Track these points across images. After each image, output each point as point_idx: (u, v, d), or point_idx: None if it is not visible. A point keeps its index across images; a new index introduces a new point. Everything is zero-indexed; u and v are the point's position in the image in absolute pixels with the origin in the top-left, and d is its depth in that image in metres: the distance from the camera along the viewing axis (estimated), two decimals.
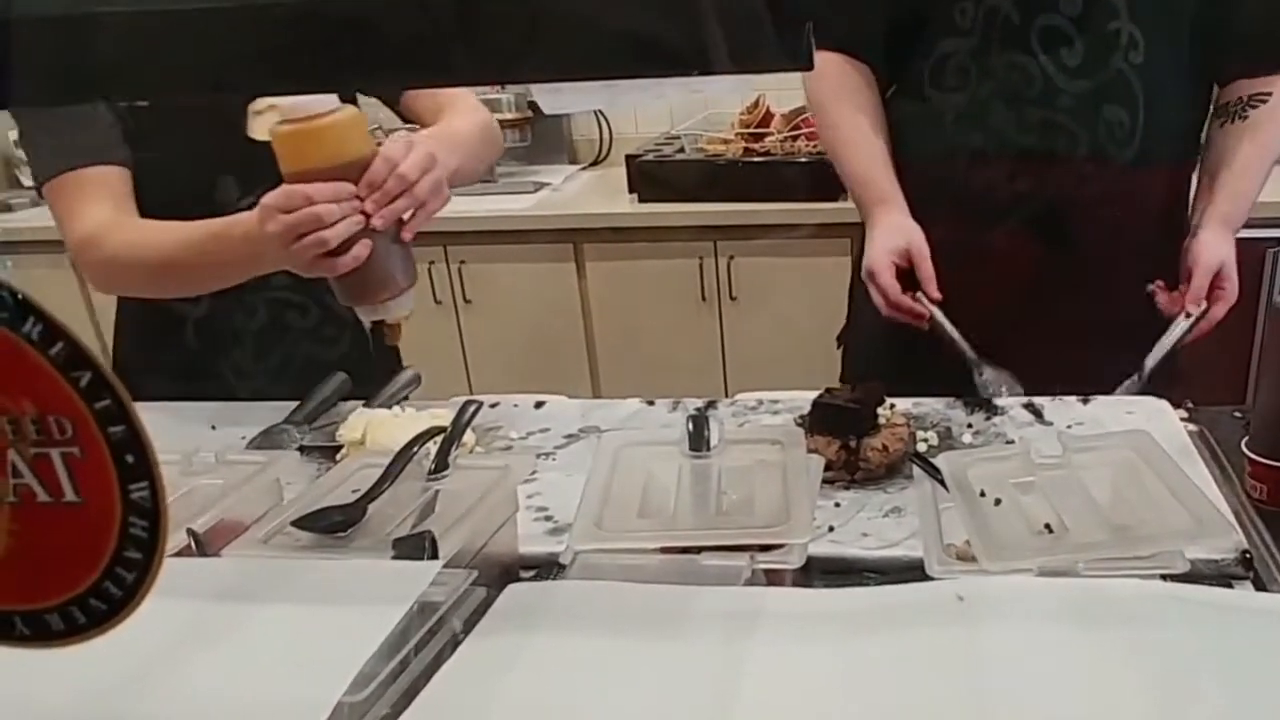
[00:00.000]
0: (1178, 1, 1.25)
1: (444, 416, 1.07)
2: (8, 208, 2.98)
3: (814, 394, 1.10)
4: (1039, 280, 1.33)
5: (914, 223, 1.30)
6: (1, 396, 0.34)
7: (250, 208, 1.20)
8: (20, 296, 0.33)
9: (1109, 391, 1.23)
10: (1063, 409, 1.19)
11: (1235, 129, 1.30)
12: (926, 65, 1.32)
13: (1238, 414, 1.13)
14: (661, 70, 0.60)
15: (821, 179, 2.27)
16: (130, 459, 0.36)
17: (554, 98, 0.60)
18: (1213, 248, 1.27)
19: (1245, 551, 0.86)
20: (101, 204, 1.26)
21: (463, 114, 1.35)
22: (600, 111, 2.96)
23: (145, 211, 1.29)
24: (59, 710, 0.61)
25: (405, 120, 1.48)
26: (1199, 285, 1.26)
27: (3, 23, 0.44)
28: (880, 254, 1.29)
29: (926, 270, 1.27)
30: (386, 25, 0.55)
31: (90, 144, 1.27)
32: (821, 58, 1.29)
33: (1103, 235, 1.31)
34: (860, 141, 1.37)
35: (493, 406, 1.30)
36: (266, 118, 1.29)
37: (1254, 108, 1.30)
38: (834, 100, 1.39)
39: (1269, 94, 1.29)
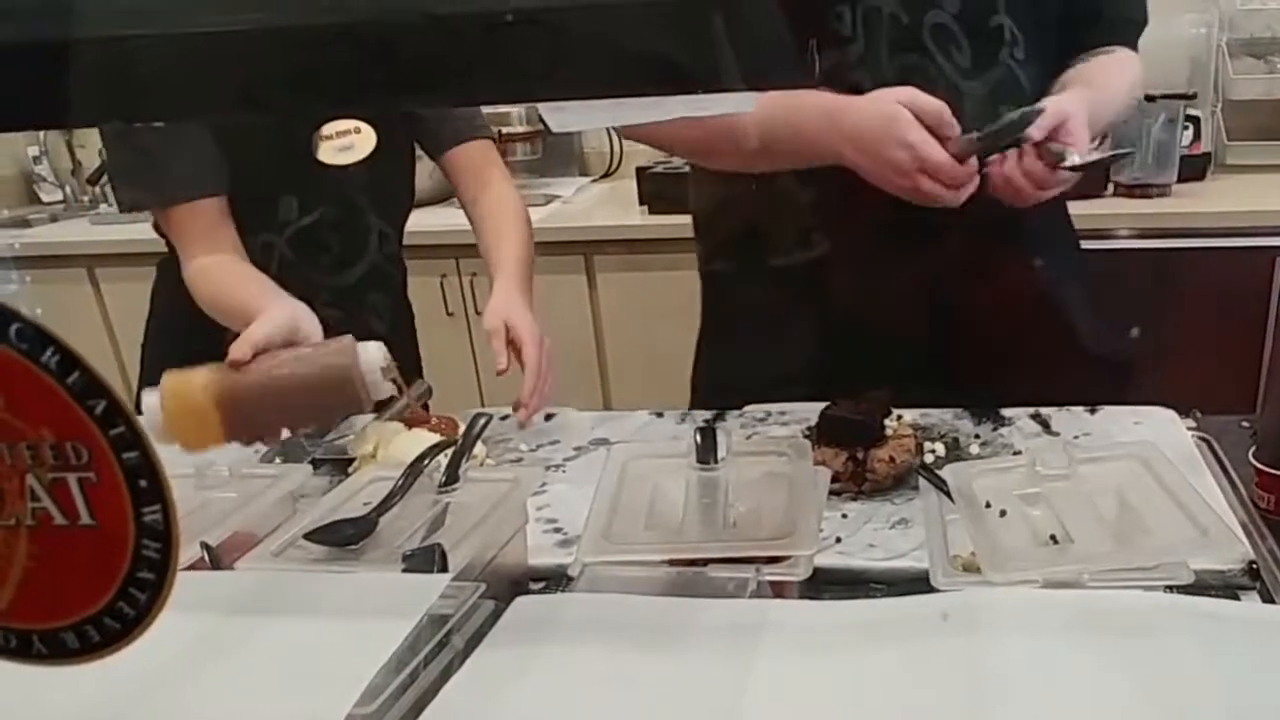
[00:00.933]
0: None
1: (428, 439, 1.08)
2: (25, 223, 3.02)
3: (821, 405, 1.10)
4: (947, 287, 1.24)
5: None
6: (22, 424, 0.36)
7: (309, 226, 1.38)
8: (39, 327, 0.34)
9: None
10: (1070, 419, 1.19)
11: (1085, 61, 1.26)
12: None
13: (1245, 424, 1.13)
14: (668, 87, 0.61)
15: None
16: (143, 483, 0.37)
17: (559, 116, 0.61)
18: (1065, 100, 1.14)
19: (1252, 562, 0.86)
20: (198, 243, 1.33)
21: (505, 213, 1.53)
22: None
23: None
24: None
25: (445, 174, 1.57)
26: (1044, 122, 1.11)
27: (62, 43, 0.45)
28: (890, 106, 1.06)
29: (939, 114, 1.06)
30: (397, 48, 0.56)
31: (195, 176, 1.33)
32: None
33: (1003, 232, 1.21)
34: None
35: (503, 419, 1.31)
36: (334, 142, 1.36)
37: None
38: None
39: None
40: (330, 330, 1.45)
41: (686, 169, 2.59)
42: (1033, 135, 1.10)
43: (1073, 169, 1.09)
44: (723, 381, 1.35)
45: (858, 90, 1.13)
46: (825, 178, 1.14)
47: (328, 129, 1.39)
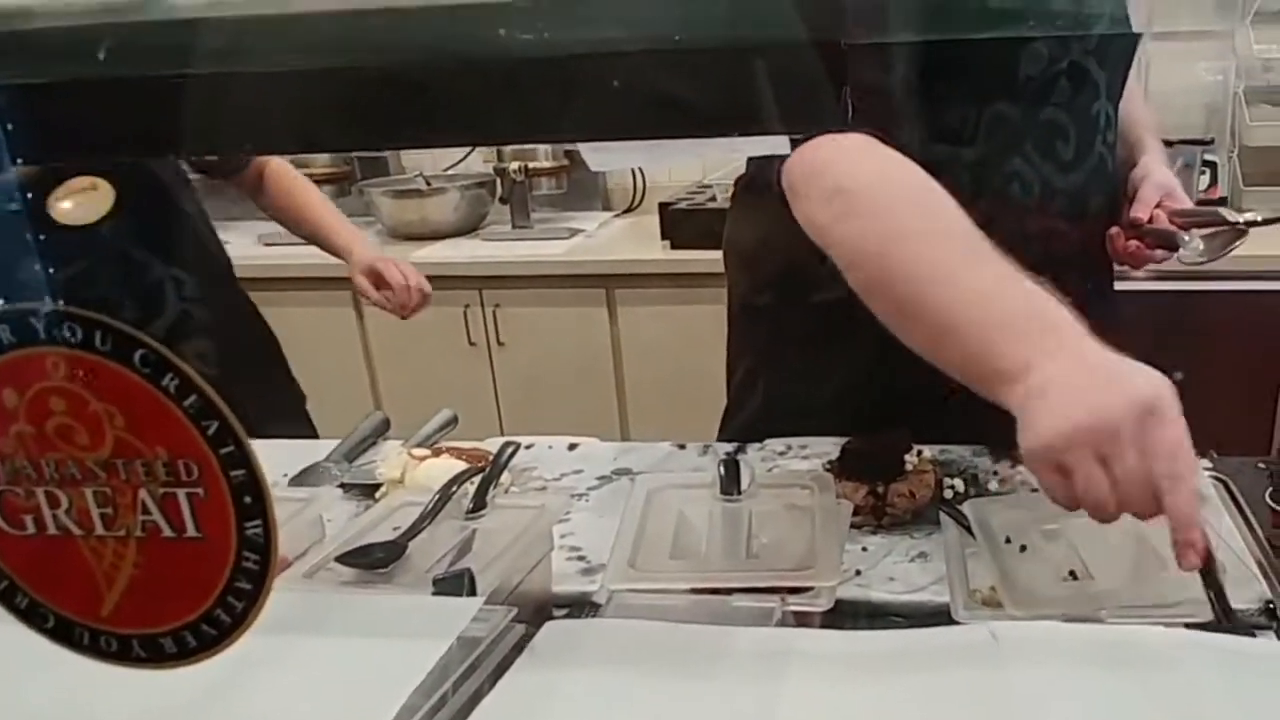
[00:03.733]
0: (1127, 56, 1.18)
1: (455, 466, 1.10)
2: None
3: (841, 440, 1.12)
4: None
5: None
6: (140, 442, 0.38)
7: (70, 280, 1.37)
8: (162, 354, 0.37)
9: None
10: None
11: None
12: None
13: (1261, 465, 1.14)
14: (703, 132, 0.63)
15: None
16: (248, 499, 0.40)
17: (599, 156, 0.64)
18: (1164, 171, 1.20)
19: (1269, 602, 0.87)
20: None
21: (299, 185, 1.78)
22: None
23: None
24: None
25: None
26: (1148, 197, 1.16)
27: (86, 83, 0.48)
28: (1165, 381, 0.74)
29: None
30: (444, 89, 0.59)
31: None
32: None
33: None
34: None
35: (527, 448, 1.32)
36: (68, 202, 1.38)
37: None
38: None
39: None
40: None
41: (708, 205, 2.65)
42: (1140, 218, 1.15)
43: (1195, 263, 1.14)
44: (757, 412, 1.36)
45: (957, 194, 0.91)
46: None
47: (59, 191, 1.39)
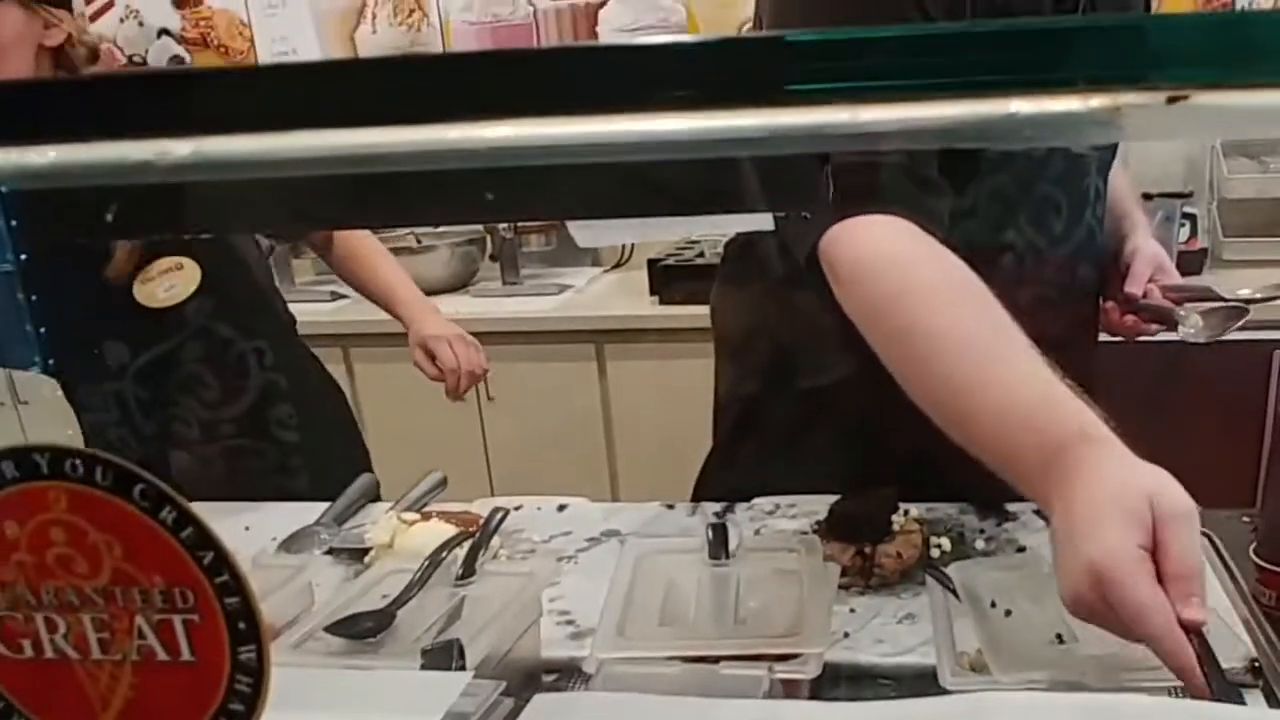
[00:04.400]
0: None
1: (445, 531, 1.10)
2: None
3: (828, 499, 1.13)
4: None
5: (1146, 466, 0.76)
6: (137, 571, 0.40)
7: (140, 369, 1.41)
8: (160, 488, 0.39)
9: None
10: None
11: None
12: None
13: (1245, 519, 1.14)
14: (688, 211, 0.65)
15: None
16: (242, 625, 0.42)
17: (586, 233, 0.66)
18: (1153, 245, 1.24)
19: (1254, 660, 0.87)
20: None
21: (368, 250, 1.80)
22: None
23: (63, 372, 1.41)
24: None
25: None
26: (1141, 272, 1.20)
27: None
28: (1122, 546, 0.71)
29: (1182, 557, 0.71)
30: (428, 173, 0.60)
31: None
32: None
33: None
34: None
35: (516, 509, 1.33)
36: (155, 283, 1.39)
37: None
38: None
39: None
40: (246, 458, 1.51)
41: (697, 260, 2.67)
42: (1135, 294, 1.18)
43: (1194, 341, 1.17)
44: (732, 489, 1.37)
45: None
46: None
47: (149, 270, 1.39)
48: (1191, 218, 2.52)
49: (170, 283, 1.40)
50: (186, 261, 1.41)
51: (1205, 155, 2.66)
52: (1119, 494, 0.72)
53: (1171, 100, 0.31)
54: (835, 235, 0.96)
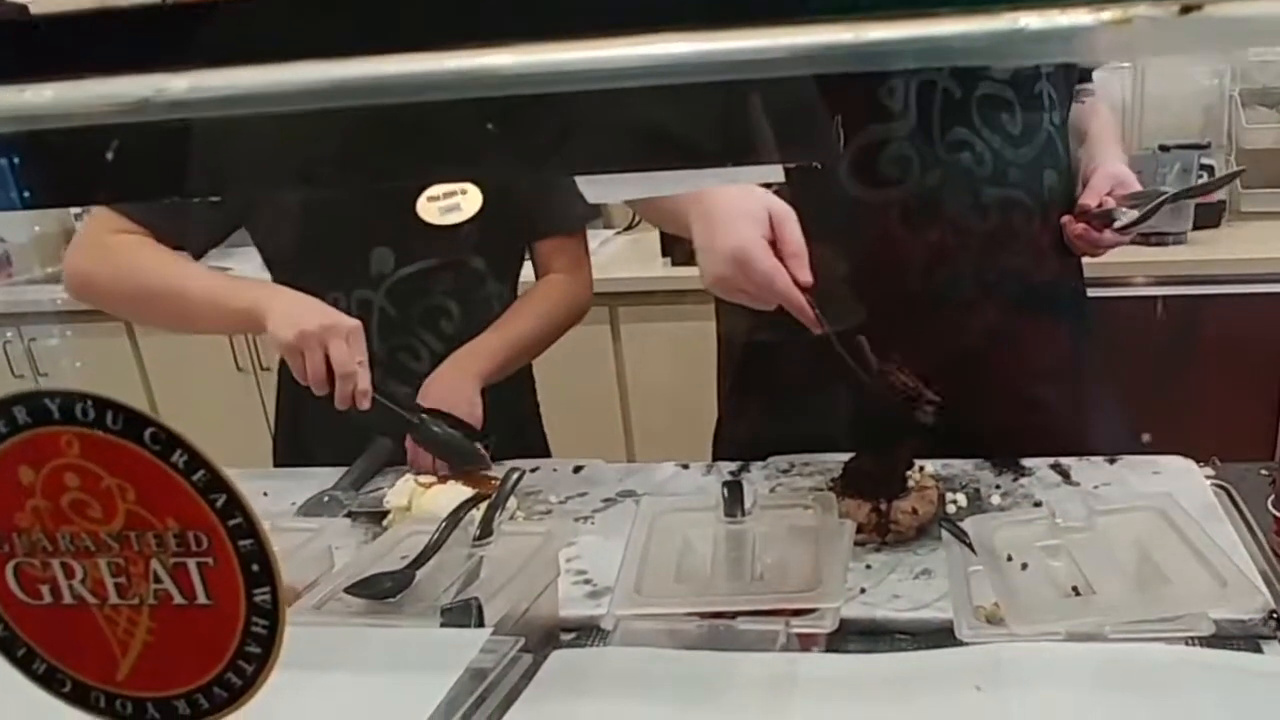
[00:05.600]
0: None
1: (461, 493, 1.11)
2: None
3: (845, 457, 1.13)
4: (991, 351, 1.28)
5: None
6: (150, 515, 0.40)
7: (405, 279, 1.39)
8: (171, 431, 0.39)
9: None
10: (1089, 469, 1.21)
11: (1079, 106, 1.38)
12: (851, 158, 1.18)
13: (1264, 471, 1.14)
14: (698, 164, 0.64)
15: None
16: (256, 567, 0.42)
17: (595, 189, 0.65)
18: (1118, 165, 1.29)
19: (1272, 612, 0.87)
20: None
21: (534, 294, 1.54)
22: None
23: (302, 275, 1.38)
24: None
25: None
26: (1098, 185, 1.26)
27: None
28: (752, 236, 1.01)
29: (794, 241, 1.02)
30: (435, 126, 0.60)
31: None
32: None
33: (1036, 291, 1.30)
34: None
35: (533, 471, 1.33)
36: (439, 203, 1.39)
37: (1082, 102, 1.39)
38: None
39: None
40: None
41: None
42: (1089, 204, 1.21)
43: (1124, 228, 1.20)
44: (748, 440, 1.38)
45: (906, 167, 1.17)
46: (862, 248, 1.19)
47: (434, 190, 1.40)
48: (1209, 169, 2.48)
49: (452, 204, 1.40)
50: (471, 187, 1.41)
51: (1223, 105, 2.62)
52: (745, 204, 1.03)
53: (1184, 11, 0.30)
54: None
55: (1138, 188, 1.26)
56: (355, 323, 1.25)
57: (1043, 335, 1.31)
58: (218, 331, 1.61)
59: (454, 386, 1.38)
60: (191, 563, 0.41)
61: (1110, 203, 1.24)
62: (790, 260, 1.01)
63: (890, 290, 1.21)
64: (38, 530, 0.40)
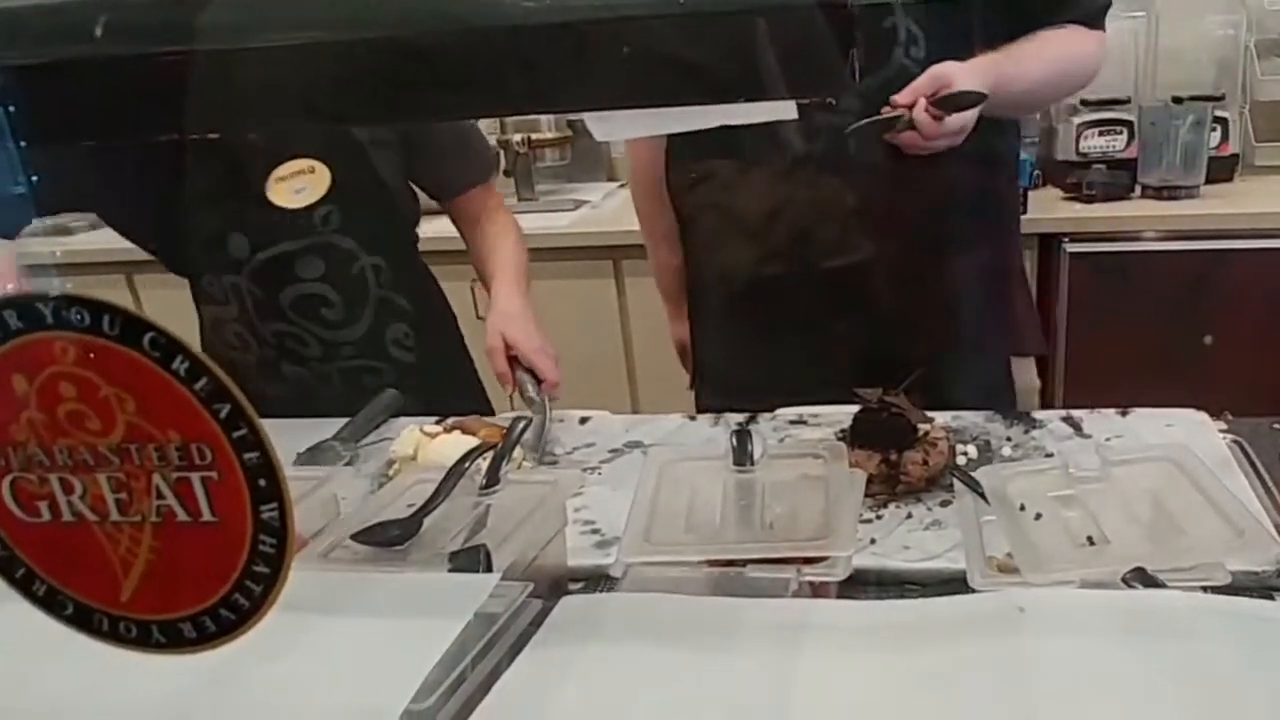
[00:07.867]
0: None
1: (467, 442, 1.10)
2: (67, 230, 3.07)
3: (853, 408, 1.12)
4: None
5: None
6: (150, 427, 0.38)
7: (259, 265, 1.38)
8: (170, 336, 0.37)
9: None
10: (1101, 422, 1.20)
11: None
12: None
13: (1277, 425, 1.13)
14: (709, 99, 0.62)
15: None
16: (263, 482, 0.40)
17: (604, 125, 0.63)
18: (948, 65, 1.27)
19: None
20: None
21: (499, 230, 1.59)
22: None
23: (168, 252, 1.40)
24: (129, 718, 0.64)
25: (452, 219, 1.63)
26: (919, 85, 1.25)
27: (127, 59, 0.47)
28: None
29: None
30: (448, 58, 0.58)
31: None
32: None
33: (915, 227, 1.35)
34: None
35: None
36: (288, 184, 1.37)
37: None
38: None
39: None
40: (358, 375, 1.48)
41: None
42: (900, 102, 1.23)
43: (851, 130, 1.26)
44: (730, 382, 1.40)
45: None
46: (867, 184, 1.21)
47: (281, 170, 1.38)
48: (1223, 122, 2.45)
49: (301, 185, 1.39)
50: (319, 165, 1.40)
51: (1237, 57, 2.57)
52: None
53: None
54: None
55: (965, 88, 1.24)
56: None
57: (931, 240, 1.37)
58: None
59: (530, 332, 1.48)
60: (195, 477, 0.39)
61: (902, 104, 1.25)
62: None
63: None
64: (34, 443, 0.39)
